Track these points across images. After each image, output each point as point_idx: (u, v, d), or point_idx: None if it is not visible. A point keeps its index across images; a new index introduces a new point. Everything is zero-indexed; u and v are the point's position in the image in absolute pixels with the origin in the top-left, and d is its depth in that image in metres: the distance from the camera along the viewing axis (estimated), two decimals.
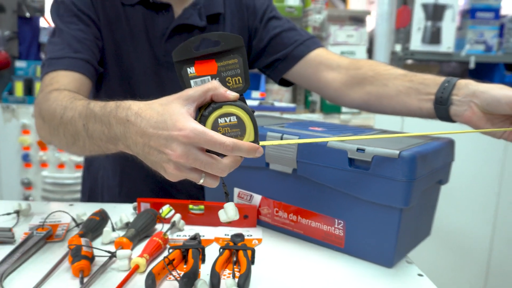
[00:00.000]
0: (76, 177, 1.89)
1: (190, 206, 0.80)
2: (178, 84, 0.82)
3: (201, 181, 0.52)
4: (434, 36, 1.97)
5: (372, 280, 0.62)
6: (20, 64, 1.97)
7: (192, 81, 0.56)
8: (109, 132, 0.57)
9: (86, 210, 0.80)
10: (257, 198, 0.79)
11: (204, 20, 0.95)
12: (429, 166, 0.65)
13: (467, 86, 0.72)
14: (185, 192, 1.01)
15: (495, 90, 0.68)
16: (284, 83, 1.04)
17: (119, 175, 0.98)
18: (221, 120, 0.53)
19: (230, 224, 0.80)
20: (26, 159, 1.85)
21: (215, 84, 0.53)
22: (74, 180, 1.89)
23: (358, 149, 0.64)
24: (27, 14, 2.02)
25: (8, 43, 1.94)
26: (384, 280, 0.63)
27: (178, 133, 0.50)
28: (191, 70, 0.56)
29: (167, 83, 0.95)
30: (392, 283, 0.62)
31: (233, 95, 0.53)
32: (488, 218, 2.00)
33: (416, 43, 1.98)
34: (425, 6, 1.96)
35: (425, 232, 0.77)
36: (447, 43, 1.99)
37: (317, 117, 1.90)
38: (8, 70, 1.97)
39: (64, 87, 0.78)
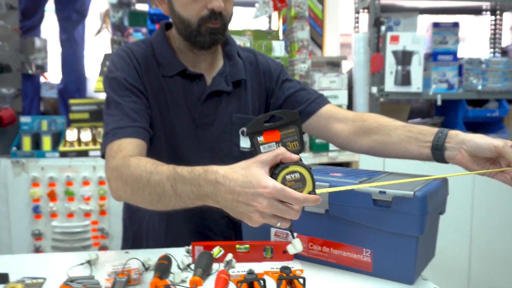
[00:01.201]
0: (85, 225, 1.98)
1: (237, 246, 0.95)
2: (211, 140, 1.02)
3: (278, 224, 0.70)
4: (404, 79, 2.23)
5: None
6: (25, 119, 2.08)
7: (261, 147, 0.75)
8: (199, 191, 0.73)
9: (141, 256, 0.93)
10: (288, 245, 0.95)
11: (230, 85, 1.13)
12: (435, 201, 0.84)
13: (457, 135, 0.92)
14: (219, 233, 1.16)
15: (478, 139, 0.88)
16: None
17: (165, 223, 1.12)
18: (288, 176, 0.71)
19: (271, 259, 0.95)
20: (36, 210, 1.93)
21: (282, 150, 0.72)
22: (83, 228, 1.98)
23: (380, 192, 0.82)
24: (30, 72, 2.15)
25: (13, 100, 2.04)
26: None
27: (263, 190, 0.67)
28: (260, 138, 0.75)
29: (202, 140, 1.11)
30: None
31: (296, 157, 0.71)
32: (465, 238, 2.22)
33: (390, 85, 2.23)
34: (395, 53, 2.22)
35: (432, 253, 0.95)
36: (416, 84, 2.25)
37: (307, 155, 2.09)
38: (13, 125, 2.07)
39: (132, 153, 0.93)
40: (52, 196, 1.94)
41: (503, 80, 2.32)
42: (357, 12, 2.59)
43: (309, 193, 0.72)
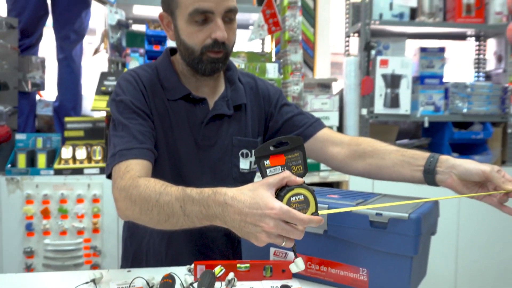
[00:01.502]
0: (78, 243, 1.98)
1: (238, 265, 0.98)
2: (212, 162, 1.06)
3: (283, 244, 0.74)
4: (393, 101, 2.31)
5: None
6: (20, 136, 2.09)
7: (267, 170, 0.80)
8: (207, 212, 0.78)
9: (144, 275, 0.95)
10: (291, 255, 0.99)
11: (231, 109, 1.18)
12: (428, 223, 0.89)
13: (448, 160, 0.97)
14: (218, 252, 1.18)
15: (468, 164, 0.94)
16: None
17: (166, 242, 1.15)
18: (292, 198, 0.76)
19: (271, 277, 0.98)
20: (29, 228, 1.93)
21: (287, 173, 0.77)
22: (75, 246, 1.98)
23: (377, 214, 0.87)
24: (26, 89, 2.17)
25: (9, 117, 2.06)
26: None
27: (270, 212, 0.72)
28: (267, 162, 0.80)
29: (204, 161, 1.15)
30: None
31: (300, 180, 0.76)
32: (451, 258, 2.27)
33: (379, 107, 2.31)
34: (384, 76, 2.30)
35: (424, 273, 1.00)
36: (404, 106, 2.32)
37: None
38: (8, 142, 2.08)
39: (139, 173, 0.96)
40: (45, 214, 1.95)
41: (487, 103, 2.42)
42: (348, 36, 2.67)
43: (312, 214, 0.77)
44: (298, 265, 0.77)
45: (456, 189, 0.97)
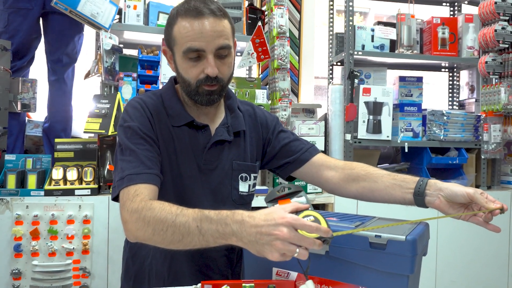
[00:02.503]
0: (67, 264, 1.97)
1: (243, 284, 1.03)
2: (214, 184, 1.18)
3: (295, 254, 0.80)
4: (375, 127, 2.42)
5: None
6: (9, 157, 2.08)
7: None
8: (224, 230, 0.85)
9: None
10: (293, 275, 1.05)
11: (232, 135, 1.25)
12: (422, 244, 0.97)
13: (436, 184, 1.07)
14: (218, 272, 1.23)
15: (454, 187, 1.03)
16: (289, 178, 1.35)
17: (168, 262, 1.19)
18: (305, 218, 0.84)
19: None
20: (17, 249, 1.92)
21: (297, 203, 0.89)
22: (64, 267, 1.97)
23: (376, 235, 0.94)
24: (17, 110, 2.18)
25: (0, 139, 2.06)
26: None
27: (283, 220, 0.81)
28: (276, 205, 0.90)
29: (206, 184, 1.21)
30: None
31: (308, 205, 0.85)
32: (431, 277, 2.37)
33: (362, 133, 2.42)
34: (367, 104, 2.42)
35: None
36: (386, 132, 2.44)
37: None
38: None
39: (148, 197, 1.01)
40: (34, 235, 1.94)
41: (462, 131, 2.56)
42: (331, 65, 2.80)
43: None
44: (308, 286, 0.83)
45: (443, 210, 1.06)
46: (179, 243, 0.92)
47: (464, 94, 3.01)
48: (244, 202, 1.28)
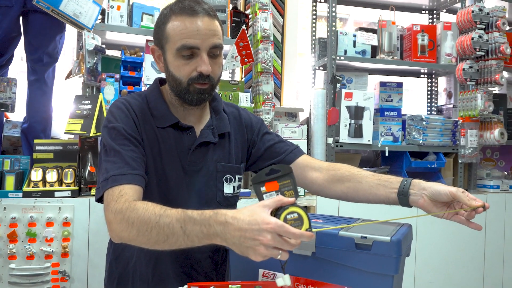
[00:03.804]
0: (45, 267, 1.93)
1: (230, 286, 1.03)
2: (198, 186, 1.16)
3: (278, 256, 0.82)
4: (357, 131, 2.46)
5: None
6: None
7: (264, 195, 0.89)
8: (208, 231, 0.85)
9: None
10: (279, 276, 1.05)
11: (216, 137, 1.25)
12: (406, 245, 0.99)
13: (419, 183, 1.09)
14: (202, 273, 1.23)
15: (437, 186, 1.06)
16: None
17: (153, 263, 1.18)
18: (288, 216, 0.85)
19: None
20: None
21: (281, 197, 0.87)
22: (42, 271, 1.93)
23: (362, 237, 0.96)
24: None
25: None
26: None
27: (267, 226, 0.81)
28: (263, 188, 0.88)
29: (191, 186, 1.21)
30: None
31: (292, 200, 0.85)
32: (409, 279, 2.41)
33: (344, 137, 2.45)
34: (348, 108, 2.45)
35: None
36: (367, 137, 2.48)
37: None
38: None
39: (133, 198, 1.01)
40: (12, 237, 1.89)
41: (440, 136, 2.63)
42: (314, 70, 2.83)
43: (306, 230, 0.85)
44: (285, 280, 0.86)
45: (427, 209, 1.08)
46: (164, 243, 0.92)
47: (442, 99, 3.08)
48: (229, 204, 1.28)
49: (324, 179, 1.25)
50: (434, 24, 2.96)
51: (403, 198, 1.11)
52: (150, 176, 1.16)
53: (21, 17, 2.15)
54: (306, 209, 0.88)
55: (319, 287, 1.01)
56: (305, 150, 2.35)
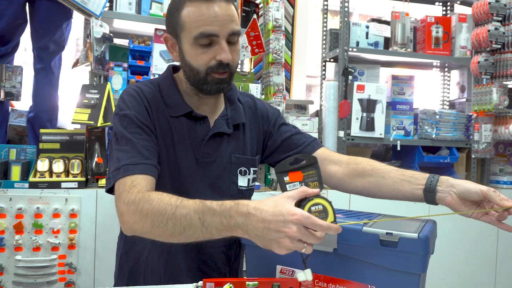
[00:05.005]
0: (52, 259, 1.90)
1: (247, 283, 0.99)
2: (212, 178, 1.11)
3: (303, 250, 0.77)
4: (369, 125, 2.40)
5: None
6: None
7: (287, 185, 0.85)
8: (229, 223, 0.81)
9: None
10: (299, 271, 1.01)
11: (231, 128, 1.20)
12: (432, 242, 0.94)
13: (448, 180, 1.04)
14: (215, 269, 1.19)
15: (467, 184, 1.01)
16: None
17: (165, 258, 1.14)
18: (312, 208, 0.80)
19: None
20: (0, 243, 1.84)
21: (305, 188, 0.83)
22: (49, 262, 1.90)
23: (387, 233, 0.91)
24: (1, 98, 2.08)
25: None
26: None
27: (292, 217, 0.77)
28: (286, 178, 0.84)
29: (204, 177, 1.16)
30: None
31: (317, 191, 0.81)
32: None
33: (356, 130, 2.40)
34: (360, 101, 2.40)
35: None
36: (379, 130, 2.43)
37: (279, 193, 2.17)
38: None
39: (146, 188, 0.96)
40: (18, 228, 1.86)
41: (453, 130, 2.57)
42: (324, 62, 2.77)
43: (331, 223, 0.81)
44: (306, 274, 0.82)
45: (455, 207, 1.03)
46: (180, 235, 0.87)
47: (454, 93, 3.02)
48: (243, 197, 1.23)
49: (344, 173, 1.20)
50: (449, 16, 2.89)
51: (429, 195, 1.06)
52: (162, 166, 1.11)
53: (27, 4, 2.10)
54: (331, 202, 0.83)
55: (340, 285, 0.97)
56: None
